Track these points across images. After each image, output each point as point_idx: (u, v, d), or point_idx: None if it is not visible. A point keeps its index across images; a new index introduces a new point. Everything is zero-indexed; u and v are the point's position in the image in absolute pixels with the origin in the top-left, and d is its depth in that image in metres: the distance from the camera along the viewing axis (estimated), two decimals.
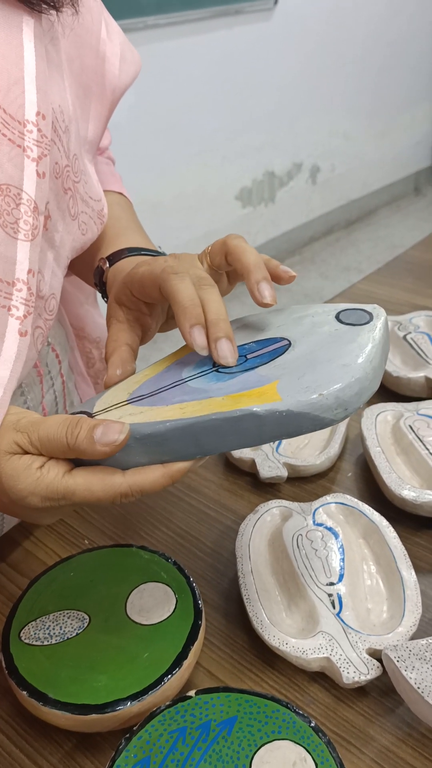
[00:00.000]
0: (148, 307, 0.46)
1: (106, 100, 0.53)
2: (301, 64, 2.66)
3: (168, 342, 2.17)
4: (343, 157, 3.10)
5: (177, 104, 2.23)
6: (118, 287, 0.46)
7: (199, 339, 0.38)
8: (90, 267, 0.55)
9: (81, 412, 0.39)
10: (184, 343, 0.44)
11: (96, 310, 0.71)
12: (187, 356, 0.42)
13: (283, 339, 0.40)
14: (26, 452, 0.36)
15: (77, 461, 0.37)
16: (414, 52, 3.23)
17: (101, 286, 0.52)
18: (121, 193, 0.63)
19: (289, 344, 0.39)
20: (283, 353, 0.39)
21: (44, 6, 0.42)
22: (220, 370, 0.39)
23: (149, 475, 0.35)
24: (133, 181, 2.28)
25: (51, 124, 0.42)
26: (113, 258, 0.52)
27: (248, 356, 0.40)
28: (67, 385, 0.59)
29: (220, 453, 0.36)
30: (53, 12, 0.43)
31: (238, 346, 0.41)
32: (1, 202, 0.39)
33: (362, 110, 3.10)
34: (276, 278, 0.42)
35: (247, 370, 0.38)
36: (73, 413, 0.40)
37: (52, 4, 0.42)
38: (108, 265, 0.51)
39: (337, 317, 0.40)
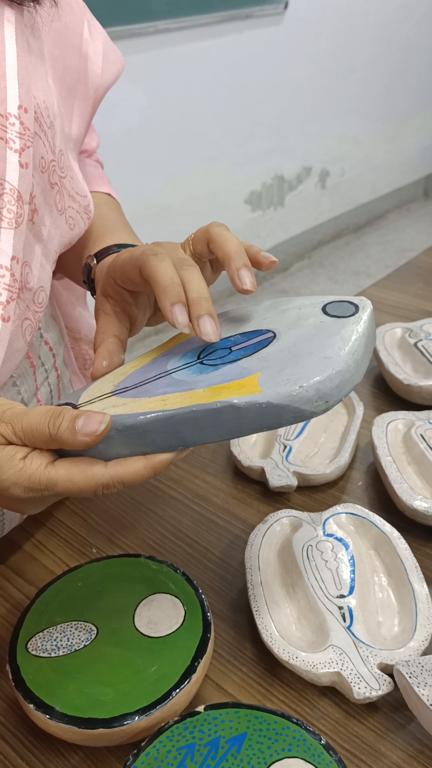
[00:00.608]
0: (133, 296, 0.46)
1: (89, 98, 0.54)
2: (311, 68, 2.66)
3: (163, 335, 2.17)
4: (352, 161, 3.09)
5: (187, 108, 2.23)
6: (104, 278, 0.46)
7: (180, 317, 0.38)
8: (79, 266, 0.56)
9: (66, 404, 0.40)
10: (172, 336, 0.44)
11: (87, 311, 0.72)
12: (173, 348, 0.43)
13: (268, 331, 0.40)
14: (10, 443, 0.36)
15: (61, 452, 0.37)
16: (423, 56, 3.22)
17: (90, 283, 0.52)
18: (109, 194, 0.63)
19: (274, 336, 0.39)
20: (266, 345, 0.39)
21: None
22: (204, 362, 0.39)
23: (131, 467, 0.35)
24: (143, 185, 2.29)
25: (33, 117, 0.43)
26: (101, 255, 0.52)
27: (232, 348, 0.40)
28: (62, 379, 0.59)
29: (201, 444, 0.36)
30: (32, 4, 0.44)
31: (224, 339, 0.41)
32: None
33: (372, 114, 3.09)
34: (256, 264, 0.42)
35: (230, 362, 0.38)
36: (58, 405, 0.40)
37: None
38: (95, 262, 0.52)
39: (324, 309, 0.41)
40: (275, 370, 0.36)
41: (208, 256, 0.44)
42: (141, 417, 0.35)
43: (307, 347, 0.37)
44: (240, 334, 0.41)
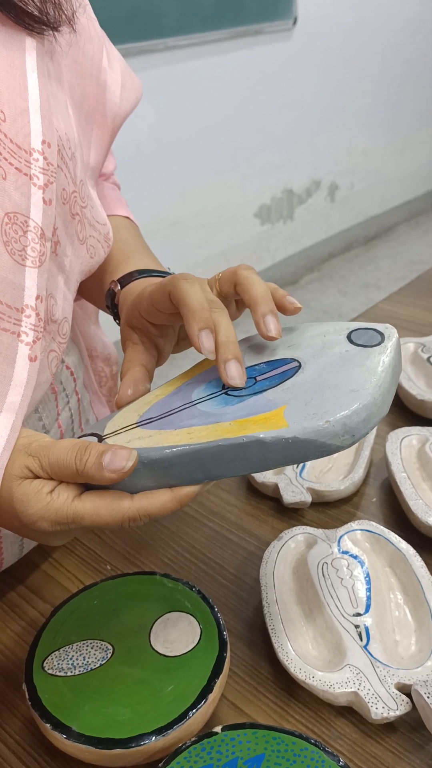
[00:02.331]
0: (158, 329, 0.46)
1: (107, 127, 0.54)
2: (321, 82, 2.68)
3: (186, 359, 2.17)
4: (362, 174, 3.10)
5: (197, 123, 2.25)
6: (128, 310, 0.46)
7: (206, 342, 0.39)
8: (99, 290, 0.56)
9: (92, 434, 0.40)
10: (196, 363, 0.44)
11: (100, 329, 0.72)
12: (198, 377, 0.42)
13: (293, 360, 0.40)
14: (37, 476, 0.37)
15: (87, 484, 0.37)
16: (430, 69, 3.24)
17: (113, 308, 0.53)
18: (127, 218, 0.64)
19: (299, 366, 0.39)
20: (292, 376, 0.38)
21: (44, 27, 0.43)
22: (229, 392, 0.39)
23: (157, 500, 0.36)
24: (153, 199, 2.31)
25: (57, 151, 0.43)
26: (124, 281, 0.52)
27: (258, 378, 0.40)
28: (82, 402, 0.59)
29: (227, 477, 0.36)
30: (51, 32, 0.44)
31: (249, 367, 0.41)
32: (9, 229, 0.40)
33: (381, 128, 3.10)
34: (282, 309, 0.43)
35: (255, 393, 0.38)
36: (83, 435, 0.40)
37: (51, 24, 0.44)
38: (119, 288, 0.52)
39: (349, 337, 0.40)
40: (301, 403, 0.35)
41: (234, 297, 0.44)
42: (167, 451, 0.35)
43: (333, 379, 0.36)
44: (265, 363, 0.41)
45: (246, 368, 0.41)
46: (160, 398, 0.42)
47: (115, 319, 0.53)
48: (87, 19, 0.50)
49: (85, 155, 0.51)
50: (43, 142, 0.42)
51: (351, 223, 3.17)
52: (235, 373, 0.38)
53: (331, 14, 2.58)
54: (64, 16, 0.45)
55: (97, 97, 0.52)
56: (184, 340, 0.49)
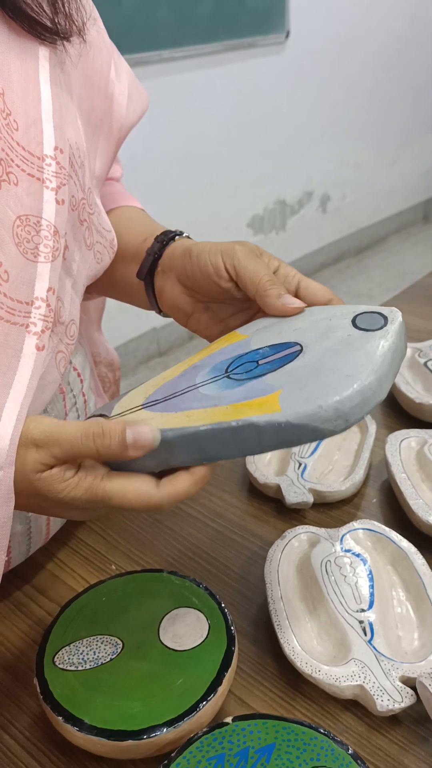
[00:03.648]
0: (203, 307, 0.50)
1: (113, 137, 0.55)
2: (313, 95, 2.71)
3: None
4: (353, 185, 3.14)
5: (191, 135, 2.28)
6: (176, 296, 0.51)
7: (288, 299, 0.43)
8: (111, 282, 0.57)
9: (100, 415, 0.41)
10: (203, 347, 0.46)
11: (102, 335, 0.73)
12: (205, 359, 0.43)
13: (295, 344, 0.40)
14: (52, 466, 0.37)
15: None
16: (422, 82, 3.29)
17: (152, 269, 0.54)
18: (142, 210, 0.65)
19: (301, 350, 0.39)
20: (292, 360, 0.39)
21: (56, 38, 0.44)
22: (231, 376, 0.40)
23: (181, 486, 0.37)
24: (147, 208, 2.31)
25: (68, 158, 0.44)
26: (162, 237, 0.54)
27: (260, 362, 0.40)
28: (88, 404, 0.60)
29: (225, 459, 0.37)
30: (62, 42, 0.45)
31: (252, 351, 0.42)
32: (21, 231, 0.41)
33: (372, 140, 3.14)
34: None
35: (256, 377, 0.39)
36: (91, 416, 0.41)
37: (63, 35, 0.45)
38: (165, 242, 0.53)
39: (353, 321, 0.40)
40: (297, 387, 0.36)
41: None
42: (167, 432, 0.36)
43: (331, 363, 0.37)
44: (269, 346, 0.41)
45: (250, 352, 0.42)
46: (167, 380, 0.43)
47: (147, 288, 0.54)
48: (97, 32, 0.52)
49: (91, 164, 0.52)
50: (56, 148, 0.43)
51: (343, 234, 3.20)
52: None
53: (323, 28, 2.62)
54: (74, 27, 0.47)
55: (104, 109, 0.53)
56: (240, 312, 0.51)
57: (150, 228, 0.57)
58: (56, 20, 0.45)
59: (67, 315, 0.47)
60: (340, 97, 2.85)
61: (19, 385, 0.40)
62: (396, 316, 0.39)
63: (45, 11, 0.44)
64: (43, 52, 0.44)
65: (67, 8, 0.46)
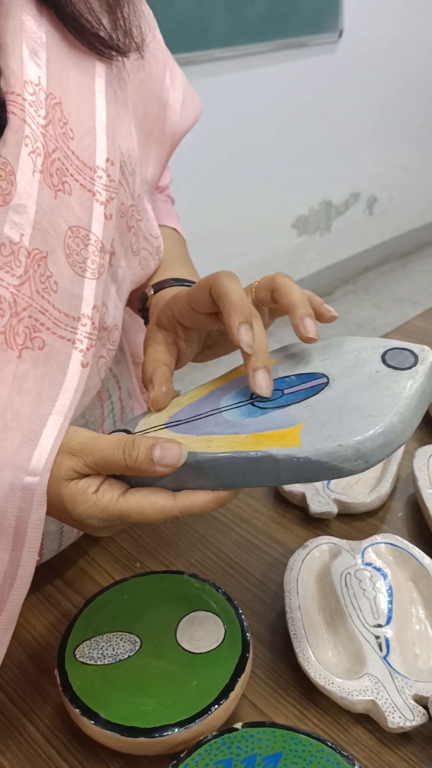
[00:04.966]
0: (186, 333, 0.47)
1: (166, 144, 0.55)
2: (364, 96, 2.69)
3: (219, 366, 2.19)
4: (401, 188, 3.10)
5: (240, 134, 2.28)
6: (161, 309, 0.47)
7: (246, 336, 0.39)
8: (133, 293, 0.57)
9: (123, 430, 0.41)
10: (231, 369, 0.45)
11: (142, 336, 0.74)
12: (231, 383, 0.43)
13: (322, 376, 0.40)
14: (84, 475, 0.38)
15: (124, 477, 0.38)
16: None
17: (144, 312, 0.55)
18: (175, 230, 0.65)
19: (327, 382, 0.39)
20: (318, 392, 0.38)
21: (113, 53, 0.45)
22: (255, 403, 0.40)
23: (199, 500, 0.37)
24: (193, 208, 2.34)
25: (119, 168, 0.45)
26: (158, 286, 0.54)
27: (285, 391, 0.40)
28: (125, 410, 0.61)
29: (242, 488, 0.37)
30: (120, 58, 0.46)
31: (279, 378, 0.41)
32: (71, 242, 0.42)
33: (422, 142, 3.09)
34: (318, 315, 0.43)
35: (279, 407, 0.38)
36: (114, 431, 0.41)
37: (120, 50, 0.46)
38: (152, 293, 0.53)
39: (383, 357, 0.39)
40: (319, 423, 0.35)
41: (270, 305, 0.45)
42: (188, 456, 0.37)
43: (356, 401, 0.36)
44: (295, 375, 0.41)
45: (277, 379, 0.41)
46: (192, 401, 0.43)
47: (145, 323, 0.55)
48: (154, 38, 0.52)
49: (143, 170, 0.53)
50: (107, 160, 0.44)
51: (388, 236, 3.16)
52: (263, 383, 0.39)
53: (377, 28, 2.59)
54: (133, 44, 0.48)
55: (158, 115, 0.53)
56: (209, 349, 0.50)
57: (162, 265, 0.57)
58: (115, 36, 0.46)
59: (111, 320, 0.48)
60: (390, 98, 2.81)
61: (64, 399, 0.41)
62: (427, 355, 0.38)
63: (104, 26, 0.45)
64: (99, 66, 0.45)
65: (127, 24, 0.47)
